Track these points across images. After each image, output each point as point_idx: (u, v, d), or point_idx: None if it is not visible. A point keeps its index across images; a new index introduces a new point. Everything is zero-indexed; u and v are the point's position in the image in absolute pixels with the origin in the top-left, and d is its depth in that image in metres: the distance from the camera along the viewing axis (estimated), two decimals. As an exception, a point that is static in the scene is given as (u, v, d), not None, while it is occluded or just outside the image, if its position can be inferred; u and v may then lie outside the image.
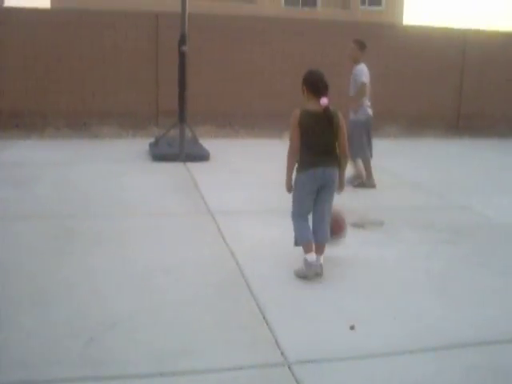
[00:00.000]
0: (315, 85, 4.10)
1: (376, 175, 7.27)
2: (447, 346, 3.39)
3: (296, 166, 4.22)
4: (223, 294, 3.97)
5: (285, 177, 4.30)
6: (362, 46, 7.39)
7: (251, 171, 7.86)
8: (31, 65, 10.50)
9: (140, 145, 9.49)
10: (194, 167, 8.01)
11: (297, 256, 4.34)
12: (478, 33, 12.56)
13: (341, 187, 4.41)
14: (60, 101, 10.64)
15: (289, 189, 4.31)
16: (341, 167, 4.29)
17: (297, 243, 4.33)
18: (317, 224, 4.31)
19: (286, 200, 4.49)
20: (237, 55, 11.09)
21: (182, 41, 8.41)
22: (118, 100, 10.84)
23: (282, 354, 3.20)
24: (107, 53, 10.75)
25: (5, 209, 5.87)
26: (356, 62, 7.41)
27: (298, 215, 4.30)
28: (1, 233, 5.11)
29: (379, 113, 11.95)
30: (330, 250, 4.67)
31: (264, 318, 3.61)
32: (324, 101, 4.03)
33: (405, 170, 8.53)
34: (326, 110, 4.06)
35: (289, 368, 3.07)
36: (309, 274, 4.16)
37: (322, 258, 4.23)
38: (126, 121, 10.80)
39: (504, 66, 12.51)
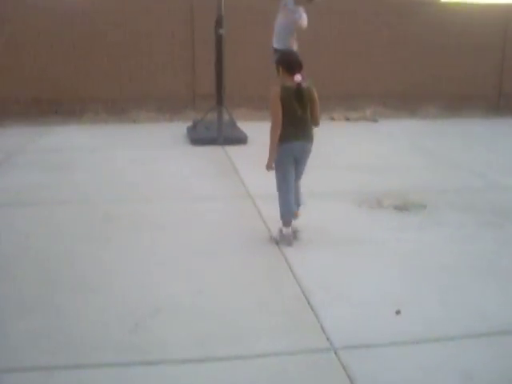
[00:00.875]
0: (290, 64, 4.41)
1: (416, 156, 7.17)
2: (498, 332, 3.32)
3: (279, 139, 4.44)
4: (265, 278, 3.96)
5: (267, 154, 4.50)
6: None
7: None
8: (68, 52, 10.59)
9: (178, 129, 9.50)
10: (233, 150, 7.99)
11: (338, 239, 4.29)
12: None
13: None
14: (98, 87, 10.71)
15: (270, 166, 4.51)
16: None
17: (282, 217, 4.57)
18: (296, 195, 4.65)
19: (327, 183, 4.45)
20: (272, 37, 10.97)
21: (219, 23, 8.35)
22: (155, 84, 10.86)
23: (328, 339, 3.18)
24: (143, 38, 10.76)
25: (44, 194, 5.93)
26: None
27: (286, 189, 4.55)
28: (40, 218, 5.17)
29: (418, 93, 11.82)
30: (375, 234, 4.63)
31: (308, 302, 3.59)
32: (298, 77, 4.31)
33: (445, 150, 8.36)
34: (299, 85, 4.32)
35: (335, 353, 3.05)
36: (280, 243, 4.54)
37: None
38: (164, 105, 10.83)
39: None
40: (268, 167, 4.51)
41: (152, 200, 5.77)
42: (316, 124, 4.55)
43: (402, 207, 5.47)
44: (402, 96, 11.55)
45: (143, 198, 5.85)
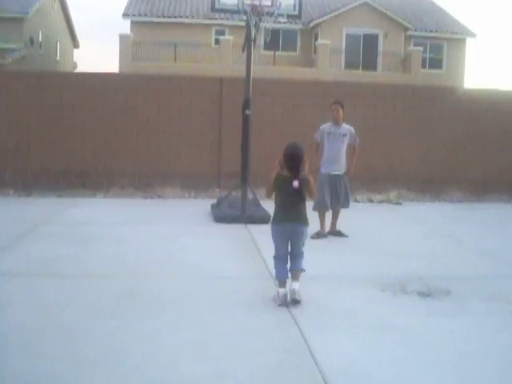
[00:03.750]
0: (288, 163, 4.91)
1: (441, 241, 7.11)
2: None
3: (271, 218, 5.17)
4: (286, 364, 3.87)
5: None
6: (343, 105, 7.79)
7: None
8: (99, 127, 10.93)
9: (202, 206, 9.61)
10: (256, 229, 8.01)
11: (361, 325, 4.19)
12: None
13: None
14: (126, 162, 10.98)
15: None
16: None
17: (276, 278, 5.12)
18: (292, 260, 5.08)
19: (351, 266, 4.41)
20: (297, 118, 11.22)
21: (246, 104, 8.60)
22: (181, 161, 11.10)
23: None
24: (173, 116, 11.10)
25: (69, 266, 5.99)
26: (340, 121, 7.77)
27: (277, 257, 5.11)
28: (64, 290, 5.19)
29: (443, 177, 11.86)
30: (397, 321, 4.53)
31: (329, 390, 3.49)
32: (295, 184, 4.84)
33: (471, 235, 8.29)
34: (297, 189, 4.87)
35: None
36: (277, 303, 4.91)
37: (297, 285, 4.92)
38: (189, 182, 11.02)
39: None
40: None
41: (174, 277, 5.77)
42: (311, 196, 5.10)
43: (426, 293, 5.37)
44: (426, 180, 11.60)
45: (166, 274, 5.86)
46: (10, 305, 4.78)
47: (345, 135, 7.74)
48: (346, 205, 7.93)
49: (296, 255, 5.09)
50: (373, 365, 3.88)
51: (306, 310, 4.85)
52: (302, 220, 5.01)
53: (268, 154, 10.96)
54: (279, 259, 5.08)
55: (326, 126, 7.82)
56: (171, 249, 6.87)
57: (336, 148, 7.76)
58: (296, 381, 3.64)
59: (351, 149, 7.86)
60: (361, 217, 9.21)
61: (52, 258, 6.25)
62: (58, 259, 6.20)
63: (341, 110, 7.70)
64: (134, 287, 5.33)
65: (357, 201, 10.82)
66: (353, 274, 6.03)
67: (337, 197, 7.79)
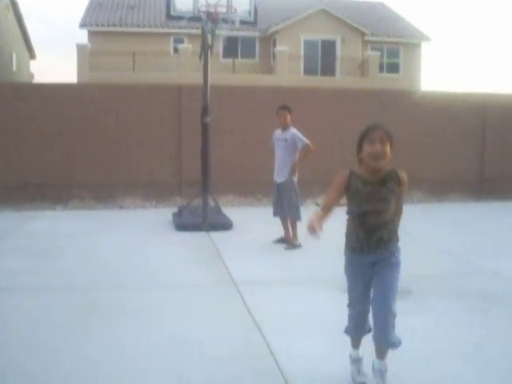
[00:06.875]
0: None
1: (401, 241, 7.15)
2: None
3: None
4: (249, 370, 3.85)
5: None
6: (290, 110, 7.48)
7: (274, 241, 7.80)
8: (57, 138, 10.76)
9: (163, 215, 9.54)
10: (218, 236, 7.99)
11: (321, 325, 4.19)
12: (497, 97, 12.63)
13: None
14: (85, 173, 10.82)
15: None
16: None
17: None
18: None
19: (310, 269, 4.42)
20: (257, 125, 11.23)
21: (205, 112, 8.57)
22: (142, 171, 11.00)
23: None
24: (132, 125, 11.00)
25: (28, 280, 5.87)
26: (287, 126, 7.43)
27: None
28: (23, 305, 5.08)
29: (402, 178, 11.99)
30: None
31: None
32: None
33: (430, 234, 8.42)
34: None
35: None
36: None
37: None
38: (150, 191, 10.92)
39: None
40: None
41: (136, 287, 5.71)
42: None
43: (388, 293, 5.42)
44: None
45: (128, 284, 5.79)
46: (-35, 322, 4.66)
47: (285, 140, 7.37)
48: (290, 214, 7.44)
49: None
50: (334, 365, 3.89)
51: (268, 315, 4.86)
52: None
53: (228, 160, 11.03)
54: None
55: (276, 132, 7.61)
56: (132, 259, 6.80)
57: (277, 154, 7.49)
58: (259, 385, 3.63)
59: (300, 153, 7.40)
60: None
61: (13, 271, 6.14)
62: (19, 273, 6.08)
63: (288, 115, 7.40)
64: (95, 298, 5.26)
65: (317, 205, 10.87)
66: (315, 277, 6.05)
67: (281, 205, 7.50)
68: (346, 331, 3.69)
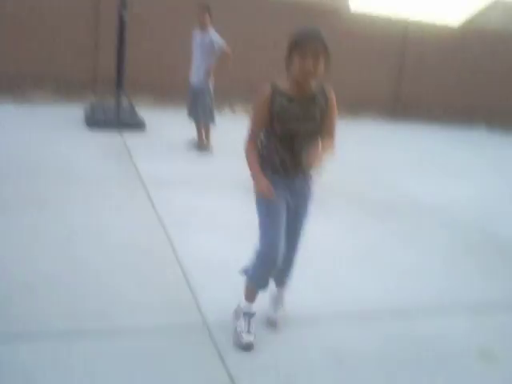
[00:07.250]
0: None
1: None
2: (368, 314, 3.55)
3: None
4: (148, 259, 3.95)
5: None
6: (209, 10, 7.14)
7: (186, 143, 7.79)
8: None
9: (75, 111, 9.23)
10: (130, 136, 7.87)
11: (222, 223, 4.32)
12: (418, 24, 12.83)
13: None
14: (-8, 62, 10.21)
15: None
16: None
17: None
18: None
19: (219, 172, 4.49)
20: (179, 24, 10.86)
21: (122, 5, 8.19)
22: (54, 64, 10.49)
23: (202, 315, 3.24)
24: (45, 15, 10.37)
25: None
26: (205, 26, 7.16)
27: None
28: None
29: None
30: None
31: (187, 282, 3.62)
32: None
33: (341, 150, 8.63)
34: None
35: (207, 328, 3.12)
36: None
37: None
38: (62, 86, 10.48)
39: (442, 55, 12.84)
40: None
41: (45, 181, 5.57)
42: None
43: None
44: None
45: (35, 179, 5.62)
46: None
47: (202, 40, 7.13)
48: (204, 118, 7.39)
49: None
50: (230, 256, 4.02)
51: (172, 210, 4.95)
52: None
53: (146, 60, 10.69)
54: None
55: (195, 32, 7.31)
56: (41, 155, 6.57)
57: (195, 55, 7.28)
58: (159, 273, 3.74)
59: (217, 56, 7.19)
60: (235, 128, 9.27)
61: None
62: None
63: (207, 15, 7.09)
64: (2, 190, 5.12)
65: (234, 112, 10.87)
66: (223, 180, 6.15)
67: (195, 108, 7.41)
68: (246, 272, 3.20)
